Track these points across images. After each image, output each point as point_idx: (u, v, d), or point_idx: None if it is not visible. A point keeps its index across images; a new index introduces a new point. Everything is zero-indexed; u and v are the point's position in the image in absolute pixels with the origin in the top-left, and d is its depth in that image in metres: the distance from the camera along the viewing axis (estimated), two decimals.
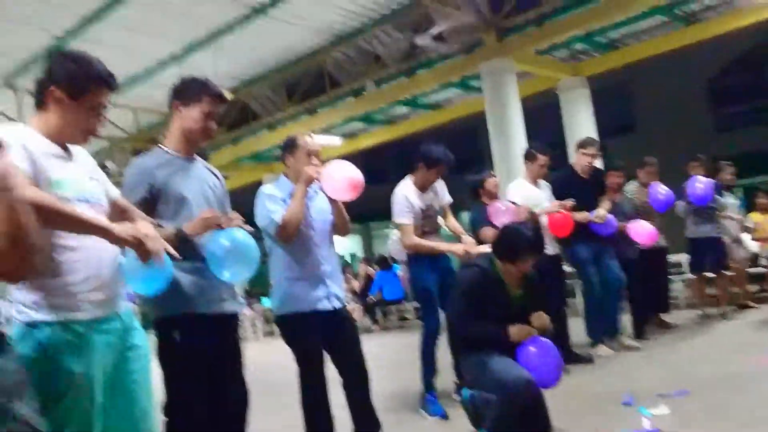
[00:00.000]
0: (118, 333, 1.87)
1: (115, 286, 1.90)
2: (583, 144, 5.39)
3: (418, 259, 4.04)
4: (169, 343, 2.38)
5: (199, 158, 2.67)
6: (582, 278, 5.32)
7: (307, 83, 11.54)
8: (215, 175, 2.70)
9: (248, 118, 12.80)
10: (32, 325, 1.73)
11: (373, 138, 13.96)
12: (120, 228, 1.78)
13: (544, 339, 3.00)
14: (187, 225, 2.34)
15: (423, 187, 4.02)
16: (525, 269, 3.06)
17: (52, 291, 1.75)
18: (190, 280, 2.43)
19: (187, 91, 2.53)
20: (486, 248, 3.73)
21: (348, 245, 23.17)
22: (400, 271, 10.31)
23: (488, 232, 4.38)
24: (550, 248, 4.79)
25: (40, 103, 1.87)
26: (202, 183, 2.56)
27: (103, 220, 1.83)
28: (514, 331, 2.97)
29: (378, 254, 13.77)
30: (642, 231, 5.27)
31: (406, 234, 3.92)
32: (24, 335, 1.73)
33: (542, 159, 5.00)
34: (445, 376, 4.06)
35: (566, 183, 5.07)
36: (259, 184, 14.71)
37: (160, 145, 2.58)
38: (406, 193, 3.96)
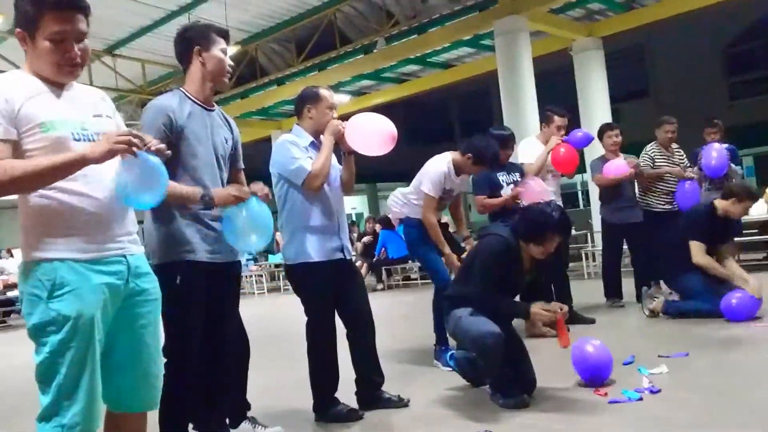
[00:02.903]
0: (121, 275, 1.86)
1: (122, 228, 1.89)
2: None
3: (414, 226, 4.07)
4: (170, 286, 2.41)
5: (218, 108, 2.67)
6: None
7: (317, 39, 11.37)
8: (230, 126, 2.70)
9: (257, 74, 12.68)
10: (33, 262, 1.76)
11: (382, 96, 13.83)
12: (93, 148, 1.71)
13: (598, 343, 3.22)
14: (216, 193, 2.43)
15: (458, 172, 4.03)
16: (550, 250, 3.05)
17: (52, 229, 1.76)
18: (194, 229, 2.48)
19: (204, 35, 2.56)
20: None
21: (354, 204, 23.25)
22: None
23: (480, 200, 4.47)
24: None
25: (22, 46, 1.83)
26: (214, 135, 2.57)
27: (72, 152, 1.73)
28: (538, 313, 2.98)
29: (382, 214, 13.81)
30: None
31: (428, 206, 3.96)
32: (24, 272, 1.77)
33: (559, 121, 4.95)
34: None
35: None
36: (267, 140, 14.61)
37: (181, 88, 2.58)
38: (445, 171, 3.96)
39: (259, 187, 2.50)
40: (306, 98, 3.16)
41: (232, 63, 2.62)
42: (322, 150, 3.05)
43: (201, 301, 2.49)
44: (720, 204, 4.70)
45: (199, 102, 2.55)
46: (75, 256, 1.77)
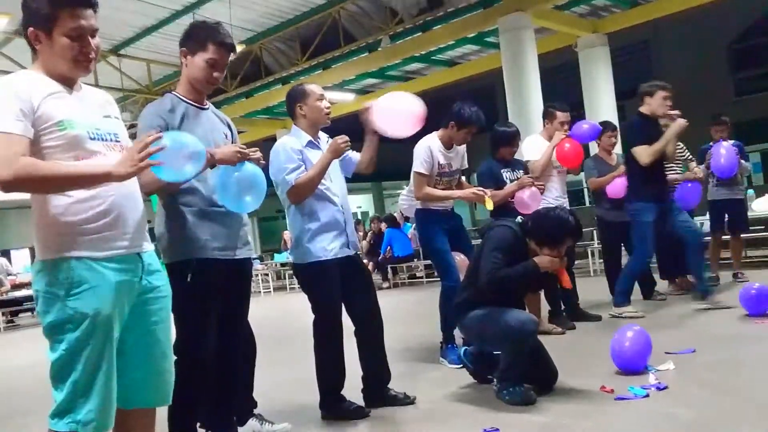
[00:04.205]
0: (137, 273, 1.88)
1: (136, 225, 1.91)
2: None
3: (427, 217, 4.06)
4: (181, 284, 2.41)
5: (211, 106, 2.68)
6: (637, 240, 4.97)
7: (321, 37, 11.39)
8: (228, 124, 2.72)
9: (261, 73, 12.70)
10: (50, 261, 1.77)
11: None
12: (118, 165, 1.75)
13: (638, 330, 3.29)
14: (217, 150, 2.36)
15: (448, 145, 4.01)
16: (561, 254, 3.08)
17: (68, 228, 1.78)
18: (204, 227, 2.49)
19: (194, 38, 2.52)
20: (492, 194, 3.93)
21: (360, 203, 23.26)
22: (412, 229, 10.35)
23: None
24: (554, 202, 4.78)
25: (32, 48, 1.85)
26: (213, 131, 2.57)
27: (99, 166, 1.78)
28: (543, 261, 3.02)
29: (388, 213, 13.82)
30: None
31: (419, 184, 3.93)
32: (40, 271, 1.78)
33: (561, 116, 4.91)
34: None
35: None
36: (272, 139, 14.74)
37: (173, 92, 2.60)
38: (430, 145, 3.95)
39: (254, 152, 2.47)
40: (295, 97, 3.15)
41: (216, 74, 2.52)
42: (315, 165, 3.00)
43: (212, 299, 2.50)
44: (643, 109, 4.92)
45: (191, 102, 2.55)
46: (92, 255, 1.79)
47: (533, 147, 4.96)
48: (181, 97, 2.56)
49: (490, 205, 3.96)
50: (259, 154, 2.46)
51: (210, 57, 2.48)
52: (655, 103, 4.86)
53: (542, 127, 5.14)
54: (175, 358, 2.38)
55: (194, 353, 2.47)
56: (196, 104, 2.57)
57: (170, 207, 2.51)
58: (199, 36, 2.51)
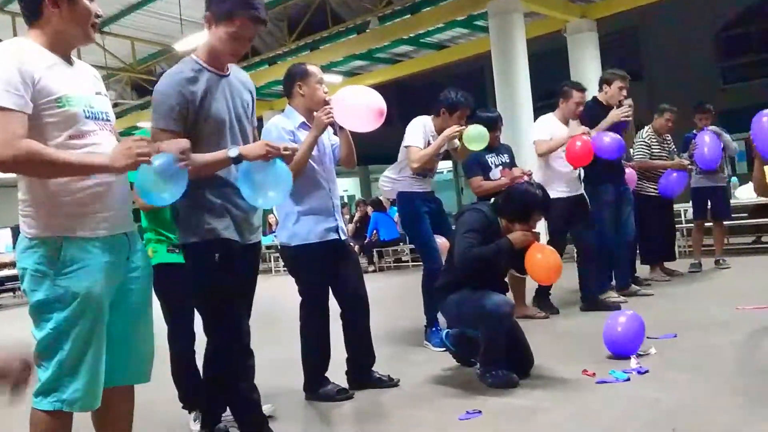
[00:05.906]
0: (124, 253, 1.88)
1: (124, 204, 1.90)
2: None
3: (409, 200, 4.06)
4: (208, 265, 2.31)
5: (232, 70, 2.45)
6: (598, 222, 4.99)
7: (309, 18, 11.25)
8: (249, 89, 2.53)
9: (248, 53, 12.55)
10: (38, 239, 1.75)
11: (375, 77, 13.73)
12: (115, 158, 1.74)
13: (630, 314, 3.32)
14: (246, 148, 2.25)
15: (441, 131, 4.00)
16: (533, 228, 3.11)
17: (60, 207, 1.76)
18: (224, 210, 2.36)
19: (222, 5, 2.27)
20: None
21: (346, 187, 23.19)
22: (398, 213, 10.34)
23: (476, 182, 4.42)
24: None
25: (35, 15, 1.79)
26: (234, 101, 2.40)
27: (97, 156, 1.76)
28: (516, 237, 3.03)
29: (374, 196, 13.79)
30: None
31: (412, 154, 3.92)
32: (28, 249, 1.76)
33: (578, 96, 4.78)
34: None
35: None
36: (258, 120, 14.59)
37: (192, 56, 2.37)
38: (424, 122, 4.01)
39: (292, 147, 2.37)
40: (295, 75, 3.10)
41: (243, 50, 2.35)
42: (302, 145, 2.90)
43: (236, 280, 2.40)
44: (600, 95, 5.06)
45: (213, 70, 2.34)
46: (84, 234, 1.78)
47: (545, 127, 4.84)
48: (202, 63, 2.33)
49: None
50: (290, 151, 2.33)
51: (235, 31, 2.26)
52: (611, 92, 4.93)
53: (532, 111, 5.12)
54: (213, 342, 2.37)
55: (236, 328, 2.39)
56: (217, 71, 2.35)
57: (193, 191, 2.23)
58: (227, 4, 2.24)
